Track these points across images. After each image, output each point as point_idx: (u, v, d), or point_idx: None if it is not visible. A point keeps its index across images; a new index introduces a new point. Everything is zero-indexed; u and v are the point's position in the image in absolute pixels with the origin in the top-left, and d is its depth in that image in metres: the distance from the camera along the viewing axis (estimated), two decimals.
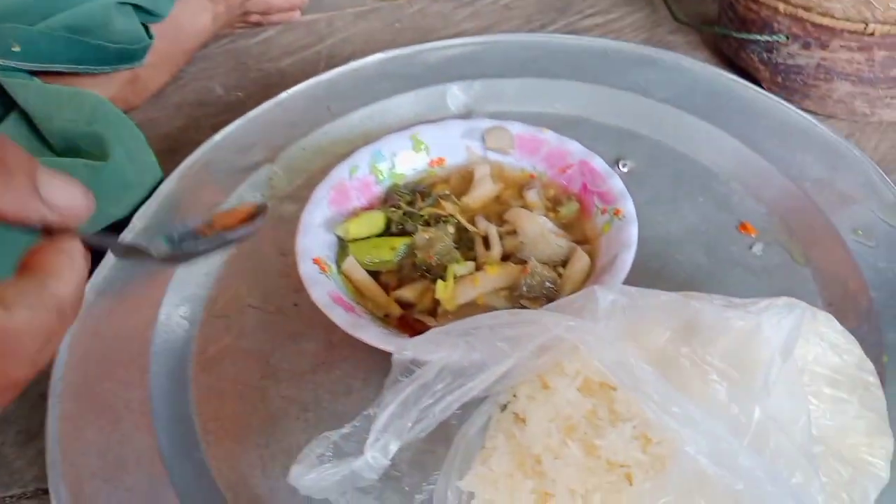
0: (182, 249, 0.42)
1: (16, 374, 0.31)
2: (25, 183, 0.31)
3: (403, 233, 0.60)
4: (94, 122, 0.63)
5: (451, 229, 0.59)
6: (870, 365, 0.47)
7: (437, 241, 0.58)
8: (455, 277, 0.56)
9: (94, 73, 0.73)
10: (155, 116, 0.84)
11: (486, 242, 0.60)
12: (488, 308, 0.56)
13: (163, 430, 0.55)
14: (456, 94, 0.76)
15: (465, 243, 0.60)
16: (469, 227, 0.60)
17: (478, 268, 0.58)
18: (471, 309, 0.56)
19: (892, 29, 0.69)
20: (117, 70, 0.75)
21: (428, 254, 0.57)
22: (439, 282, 0.56)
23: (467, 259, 0.58)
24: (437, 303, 0.56)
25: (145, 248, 0.40)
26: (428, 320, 0.55)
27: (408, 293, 0.57)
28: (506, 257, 0.59)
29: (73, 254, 0.34)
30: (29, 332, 0.31)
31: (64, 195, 0.33)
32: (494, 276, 0.57)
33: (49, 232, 0.33)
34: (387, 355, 0.47)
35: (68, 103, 0.64)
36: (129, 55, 0.74)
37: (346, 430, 0.47)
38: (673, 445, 0.41)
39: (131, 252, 0.41)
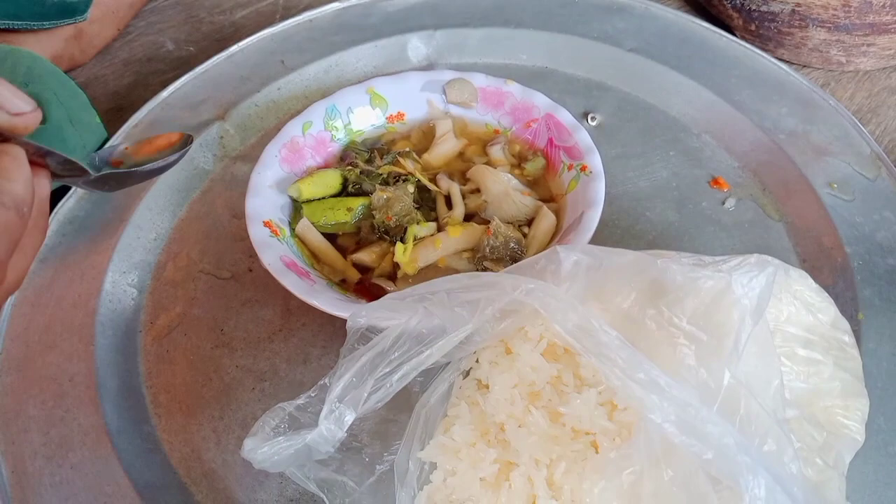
0: (112, 170, 0.42)
1: None
2: None
3: (361, 193, 0.57)
4: (30, 82, 0.59)
5: (410, 188, 0.56)
6: (845, 323, 0.45)
7: (396, 201, 0.55)
8: (415, 239, 0.54)
9: (33, 28, 0.69)
10: (102, 73, 0.79)
11: (449, 201, 0.57)
12: (450, 271, 0.54)
13: (110, 404, 0.52)
14: (416, 46, 0.72)
15: (427, 203, 0.57)
16: (430, 185, 0.57)
17: (439, 228, 0.55)
18: (432, 272, 0.53)
19: None
20: (59, 26, 0.71)
21: (386, 215, 0.55)
22: (398, 244, 0.53)
23: (428, 219, 0.56)
24: (396, 266, 0.53)
25: (81, 164, 0.40)
26: (387, 285, 0.53)
27: (365, 256, 0.54)
28: (469, 217, 0.57)
29: (16, 154, 0.33)
30: None
31: (13, 99, 0.33)
32: (457, 238, 0.54)
33: None
34: (346, 322, 0.44)
35: (3, 62, 0.60)
36: (70, 9, 0.70)
37: (301, 400, 0.44)
38: (638, 412, 0.39)
39: (67, 167, 0.40)
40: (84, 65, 0.79)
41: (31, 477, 0.48)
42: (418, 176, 0.57)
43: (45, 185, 0.36)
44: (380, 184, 0.56)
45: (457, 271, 0.54)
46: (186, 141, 0.46)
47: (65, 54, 0.76)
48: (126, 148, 0.46)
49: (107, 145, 0.45)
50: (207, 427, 0.52)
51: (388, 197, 0.55)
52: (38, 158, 0.37)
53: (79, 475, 0.48)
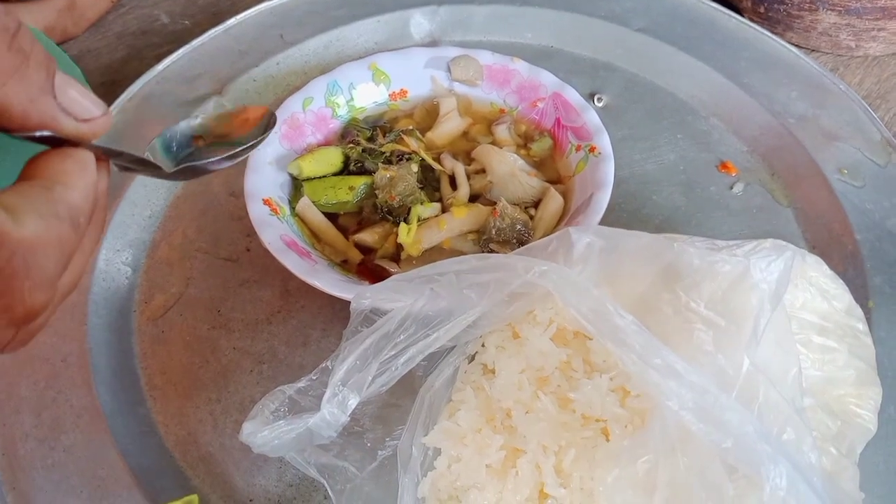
0: (189, 163, 0.37)
1: (32, 299, 0.26)
2: (42, 77, 0.27)
3: (363, 171, 0.56)
4: None
5: (414, 168, 0.55)
6: (859, 311, 0.44)
7: (399, 180, 0.53)
8: (419, 220, 0.52)
9: None
10: (95, 46, 0.77)
11: (453, 181, 0.56)
12: (455, 253, 0.52)
13: (103, 386, 0.50)
14: (420, 22, 0.70)
15: (431, 183, 0.56)
16: (434, 164, 0.56)
17: (444, 209, 0.54)
18: (436, 254, 0.52)
19: None
20: None
21: (389, 194, 0.53)
22: (402, 225, 0.52)
23: (432, 200, 0.54)
24: (399, 247, 0.52)
25: (153, 161, 0.35)
26: (390, 266, 0.51)
27: (368, 237, 0.53)
28: (474, 198, 0.55)
29: (82, 159, 0.29)
30: (43, 244, 0.26)
31: (82, 102, 0.29)
32: (462, 219, 0.53)
33: (57, 144, 0.29)
34: (347, 304, 0.43)
35: None
36: None
37: (301, 383, 0.43)
38: (654, 399, 0.38)
39: (139, 165, 0.35)
40: (77, 37, 0.77)
41: (23, 459, 0.47)
42: (422, 154, 0.56)
43: (104, 181, 0.32)
44: (382, 162, 0.55)
45: (461, 253, 0.53)
46: (270, 120, 0.41)
47: (57, 26, 0.74)
48: (201, 121, 0.42)
49: (182, 122, 0.40)
50: (204, 410, 0.51)
51: (391, 176, 0.53)
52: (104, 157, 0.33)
53: (72, 458, 0.47)
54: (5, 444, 0.47)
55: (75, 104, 0.28)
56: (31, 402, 0.49)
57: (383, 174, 0.54)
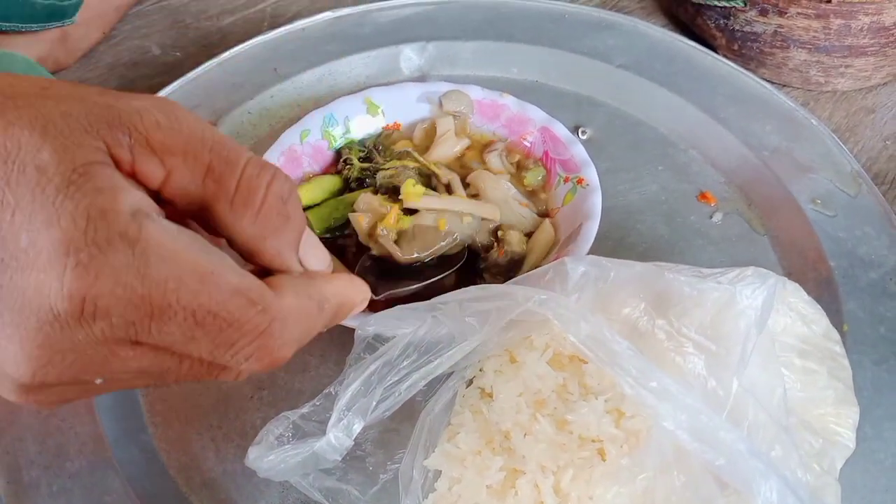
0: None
1: (280, 352, 0.31)
2: (294, 238, 0.32)
3: (362, 187, 0.57)
4: None
5: (411, 164, 0.57)
6: (836, 334, 0.47)
7: (399, 174, 0.56)
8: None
9: (21, 30, 0.68)
10: (87, 77, 0.78)
11: (449, 191, 0.58)
12: (449, 234, 0.54)
13: (106, 413, 0.51)
14: (409, 57, 0.73)
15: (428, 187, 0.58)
16: (434, 170, 0.58)
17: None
18: (431, 234, 0.53)
19: None
20: (46, 28, 0.70)
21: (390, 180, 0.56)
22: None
23: None
24: (399, 236, 0.54)
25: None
26: (394, 250, 0.52)
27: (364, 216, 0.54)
28: None
29: (356, 281, 0.37)
30: (293, 316, 0.31)
31: (317, 257, 0.35)
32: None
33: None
34: (344, 330, 0.45)
35: None
36: (59, 12, 0.69)
37: (305, 409, 0.45)
38: (648, 420, 0.40)
39: None
40: (69, 68, 0.78)
41: (29, 487, 0.47)
42: (421, 160, 0.58)
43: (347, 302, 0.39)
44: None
45: (454, 235, 0.54)
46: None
47: (50, 56, 0.75)
48: None
49: None
50: (206, 436, 0.52)
51: (392, 173, 0.56)
52: None
53: (77, 484, 0.48)
54: (10, 471, 0.48)
55: (310, 258, 0.34)
56: (34, 429, 0.50)
57: (385, 173, 0.56)
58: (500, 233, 0.54)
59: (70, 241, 0.25)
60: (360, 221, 0.53)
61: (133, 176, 0.28)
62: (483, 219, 0.55)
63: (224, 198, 0.29)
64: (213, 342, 0.28)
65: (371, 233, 0.52)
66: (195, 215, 0.30)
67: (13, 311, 0.25)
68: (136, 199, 0.27)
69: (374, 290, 0.47)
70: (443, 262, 0.53)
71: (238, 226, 0.30)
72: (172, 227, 0.28)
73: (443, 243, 0.53)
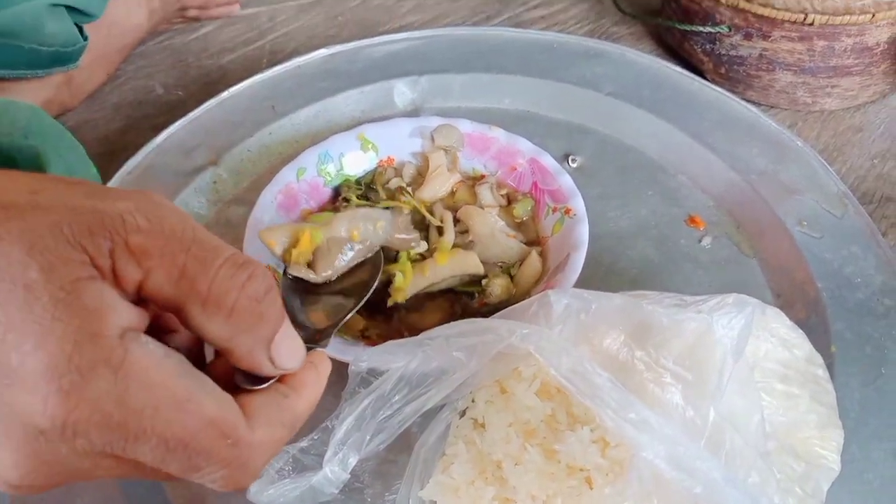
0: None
1: (243, 482, 0.32)
2: (267, 336, 0.32)
3: None
4: (30, 135, 0.61)
5: (406, 211, 0.59)
6: (819, 358, 0.48)
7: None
8: (409, 256, 0.57)
9: (27, 77, 0.70)
10: (92, 118, 0.81)
11: (440, 232, 0.59)
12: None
13: None
14: (402, 91, 0.75)
15: (421, 230, 0.60)
16: (426, 214, 0.59)
17: (430, 252, 0.58)
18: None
19: (830, 19, 0.70)
20: (51, 73, 0.72)
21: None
22: (398, 275, 0.55)
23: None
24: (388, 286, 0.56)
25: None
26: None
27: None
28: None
29: (322, 373, 0.37)
30: (263, 447, 0.32)
31: (290, 359, 0.34)
32: (444, 266, 0.56)
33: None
34: (342, 364, 0.46)
35: (2, 116, 0.61)
36: (63, 58, 0.71)
37: (304, 443, 0.46)
38: (631, 449, 0.41)
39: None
40: (74, 109, 0.81)
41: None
42: (414, 203, 0.59)
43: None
44: None
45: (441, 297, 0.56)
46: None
47: (55, 99, 0.77)
48: None
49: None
50: None
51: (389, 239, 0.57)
52: None
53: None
54: None
55: (281, 357, 0.33)
56: None
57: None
58: (484, 282, 0.55)
59: (55, 366, 0.27)
60: (273, 247, 0.54)
61: (113, 279, 0.29)
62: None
63: (196, 299, 0.30)
64: (181, 466, 0.30)
65: (285, 256, 0.53)
66: (173, 312, 0.31)
67: (3, 422, 0.27)
68: (124, 317, 0.29)
69: (308, 321, 0.47)
70: (359, 266, 0.54)
71: (209, 326, 0.31)
72: (158, 351, 0.29)
73: (353, 253, 0.54)
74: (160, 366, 0.29)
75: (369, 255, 0.54)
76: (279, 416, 0.33)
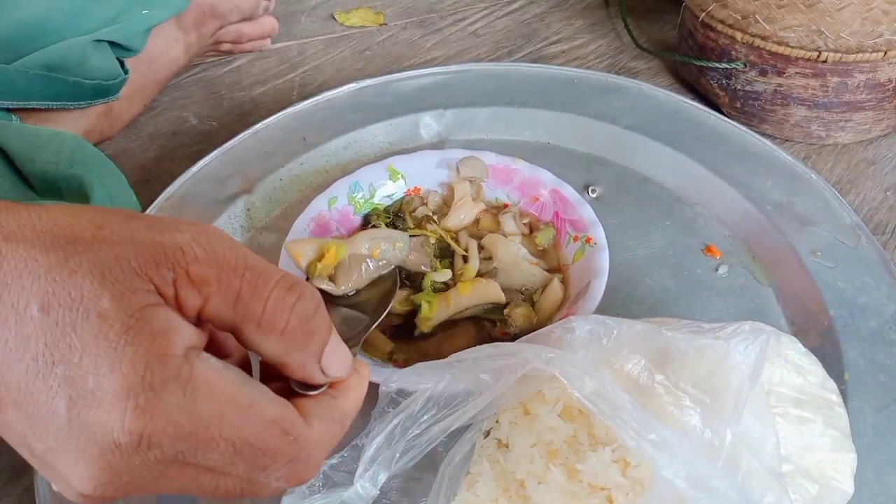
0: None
1: (305, 476, 0.35)
2: (317, 351, 0.35)
3: None
4: (74, 164, 0.64)
5: (432, 240, 0.62)
6: (832, 384, 0.50)
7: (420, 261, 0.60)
8: (432, 286, 0.59)
9: (69, 108, 0.74)
10: (129, 147, 0.84)
11: (465, 259, 0.62)
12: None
13: None
14: (428, 124, 0.77)
15: (446, 257, 0.62)
16: (452, 243, 0.62)
17: (455, 280, 0.60)
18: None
19: (843, 57, 0.73)
20: (92, 105, 0.76)
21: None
22: (423, 305, 0.58)
23: (444, 267, 0.61)
24: (414, 313, 0.58)
25: None
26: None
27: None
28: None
29: (364, 377, 0.39)
30: (321, 443, 0.35)
31: (339, 368, 0.37)
32: (467, 295, 0.58)
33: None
34: (372, 385, 0.48)
35: (48, 145, 0.65)
36: (104, 90, 0.75)
37: (335, 460, 0.48)
38: (650, 468, 0.43)
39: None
40: (112, 138, 0.84)
41: None
42: (441, 233, 0.62)
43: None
44: None
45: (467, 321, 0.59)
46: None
47: (95, 129, 0.81)
48: None
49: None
50: None
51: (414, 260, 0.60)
52: None
53: None
54: None
55: (331, 368, 0.36)
56: None
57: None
58: (506, 310, 0.58)
59: (130, 386, 0.29)
60: (299, 258, 0.56)
61: (176, 305, 0.32)
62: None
63: (252, 321, 0.33)
64: (249, 466, 0.32)
65: (310, 268, 0.56)
66: (230, 332, 0.34)
67: (80, 439, 0.30)
68: (187, 337, 0.31)
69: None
70: (377, 281, 0.57)
71: (264, 345, 0.34)
72: (218, 365, 0.32)
73: (372, 270, 0.57)
74: (222, 377, 0.32)
75: (385, 272, 0.58)
76: (331, 414, 0.36)
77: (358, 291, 0.56)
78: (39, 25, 0.70)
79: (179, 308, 0.32)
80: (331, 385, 0.38)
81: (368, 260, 0.57)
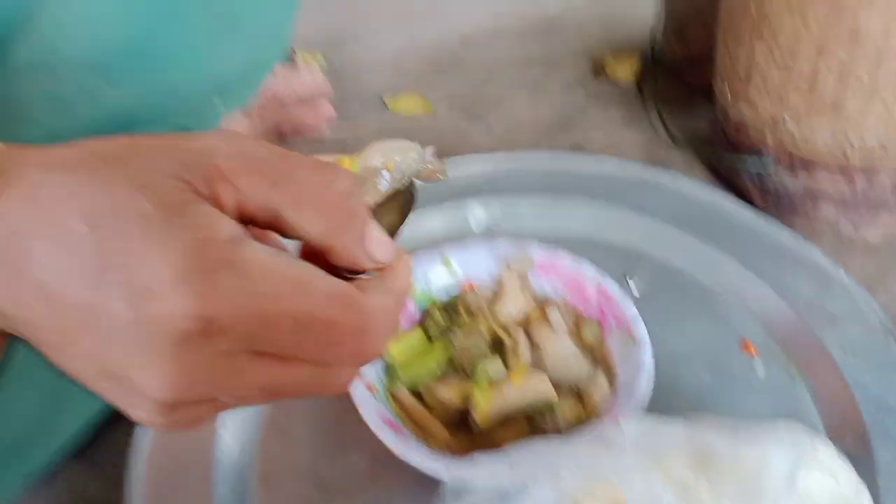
0: None
1: (377, 346, 0.35)
2: (360, 231, 0.35)
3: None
4: None
5: (484, 330, 0.66)
6: (864, 489, 0.53)
7: (472, 345, 0.65)
8: (487, 378, 0.62)
9: None
10: None
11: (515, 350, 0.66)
12: (517, 421, 0.62)
13: None
14: (477, 213, 0.82)
15: (498, 348, 0.66)
16: (504, 337, 0.66)
17: (507, 367, 0.64)
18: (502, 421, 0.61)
19: (869, 161, 0.77)
20: None
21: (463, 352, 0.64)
22: (479, 397, 0.61)
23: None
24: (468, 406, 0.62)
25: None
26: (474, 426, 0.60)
27: (444, 391, 0.62)
28: None
29: (405, 258, 0.39)
30: (385, 311, 0.35)
31: (385, 253, 0.37)
32: (518, 389, 0.62)
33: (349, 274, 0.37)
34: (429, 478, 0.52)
35: None
36: None
37: None
38: None
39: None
40: None
41: None
42: (493, 325, 0.66)
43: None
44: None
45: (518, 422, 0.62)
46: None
47: None
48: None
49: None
50: None
51: (467, 345, 0.64)
52: None
53: None
54: None
55: (376, 250, 0.37)
56: None
57: (460, 337, 0.64)
58: (555, 406, 0.61)
59: (182, 272, 0.30)
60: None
61: (214, 201, 0.33)
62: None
63: (290, 203, 0.33)
64: (318, 343, 0.32)
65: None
66: (272, 224, 0.34)
67: (145, 340, 0.30)
68: (231, 227, 0.32)
69: None
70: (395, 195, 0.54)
71: (306, 227, 0.34)
72: (268, 249, 0.33)
73: (387, 182, 0.53)
74: (273, 259, 0.32)
75: (400, 187, 0.55)
76: (384, 287, 0.36)
77: (377, 205, 0.54)
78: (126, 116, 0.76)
79: (218, 204, 0.33)
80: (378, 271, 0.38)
81: (384, 172, 0.59)
